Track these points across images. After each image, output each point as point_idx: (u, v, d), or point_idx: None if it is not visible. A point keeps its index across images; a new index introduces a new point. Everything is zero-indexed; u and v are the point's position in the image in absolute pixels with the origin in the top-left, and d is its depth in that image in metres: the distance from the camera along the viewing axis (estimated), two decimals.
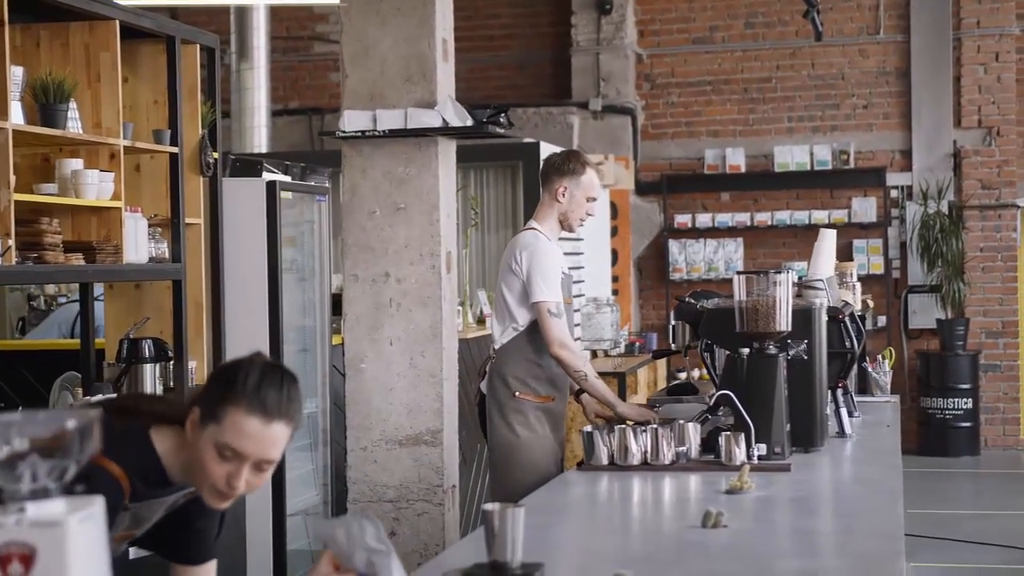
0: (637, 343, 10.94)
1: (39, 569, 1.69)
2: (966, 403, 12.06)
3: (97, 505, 1.76)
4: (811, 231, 12.40)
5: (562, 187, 5.21)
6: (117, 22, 5.07)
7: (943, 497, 10.43)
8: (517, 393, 5.14)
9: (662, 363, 11.03)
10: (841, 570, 2.86)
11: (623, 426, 4.28)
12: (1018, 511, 9.92)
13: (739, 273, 4.41)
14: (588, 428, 4.32)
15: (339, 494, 6.61)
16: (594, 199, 5.29)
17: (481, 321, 8.02)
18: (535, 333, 5.13)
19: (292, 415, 2.57)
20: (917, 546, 8.23)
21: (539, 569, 2.75)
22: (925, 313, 12.40)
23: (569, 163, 5.25)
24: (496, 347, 5.25)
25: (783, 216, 12.57)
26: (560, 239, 8.68)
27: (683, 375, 12.34)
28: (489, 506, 2.71)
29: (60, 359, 5.92)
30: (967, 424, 12.09)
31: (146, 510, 2.68)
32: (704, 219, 12.72)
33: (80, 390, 5.34)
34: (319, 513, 6.76)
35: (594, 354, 10.06)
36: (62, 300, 8.57)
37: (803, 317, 4.49)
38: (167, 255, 5.45)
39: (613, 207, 12.26)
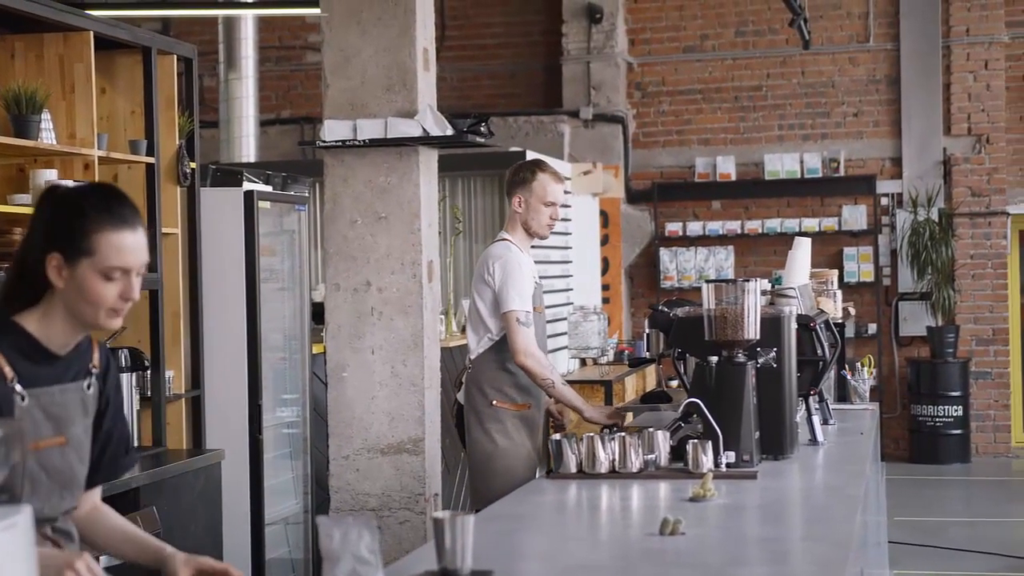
0: (627, 351, 10.95)
1: None
2: (956, 410, 12.07)
3: (23, 514, 1.78)
4: None
5: (517, 198, 5.33)
6: (91, 33, 5.10)
7: (933, 504, 10.44)
8: (494, 402, 5.22)
9: (651, 371, 11.04)
10: (790, 575, 2.88)
11: (591, 434, 4.29)
12: (1008, 518, 9.92)
13: (708, 281, 4.43)
14: (556, 436, 4.34)
15: (321, 502, 6.62)
16: (552, 203, 5.34)
17: (464, 330, 8.04)
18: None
19: (141, 218, 2.72)
20: (903, 553, 8.24)
21: None
22: (915, 320, 12.41)
23: (519, 173, 5.37)
24: (472, 357, 5.34)
25: (774, 224, 12.59)
26: (545, 247, 8.69)
27: (675, 383, 12.35)
28: (438, 514, 2.73)
29: None
30: (958, 431, 12.10)
31: (51, 401, 2.67)
32: (695, 227, 12.74)
33: None
34: (300, 523, 6.77)
35: (582, 362, 10.07)
36: None
37: (772, 325, 4.50)
38: None
39: (604, 215, 12.29)
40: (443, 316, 7.90)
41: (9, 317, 2.68)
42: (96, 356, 2.80)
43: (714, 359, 4.37)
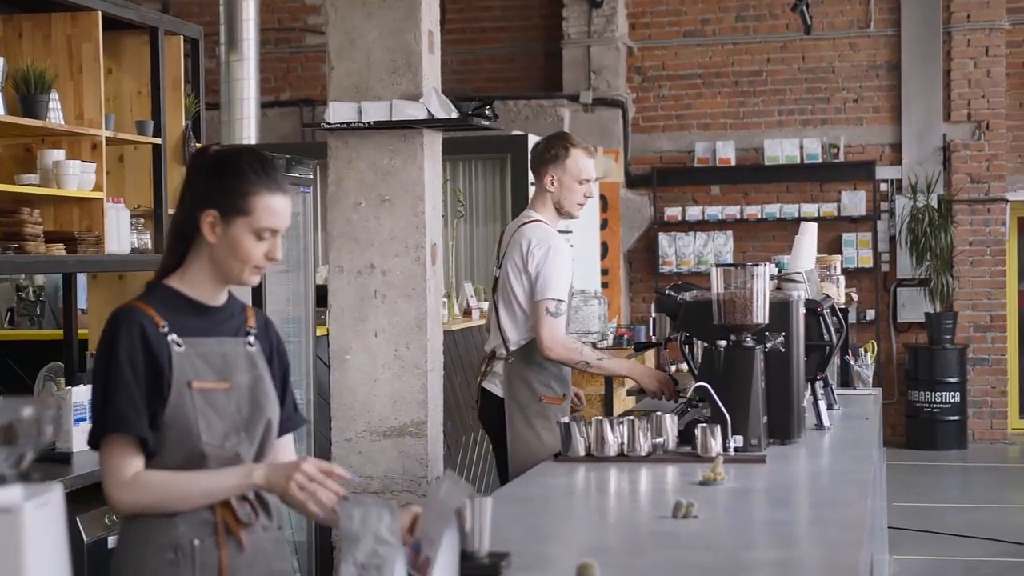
0: (626, 336, 10.96)
1: None
2: (954, 397, 12.10)
3: (55, 492, 1.78)
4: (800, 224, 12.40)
5: (549, 176, 5.10)
6: (99, 13, 5.08)
7: (930, 490, 10.47)
8: (543, 398, 5.02)
9: (651, 355, 11.06)
10: (803, 559, 2.89)
11: (600, 418, 4.30)
12: (1004, 504, 9.96)
13: (717, 266, 4.42)
14: (565, 419, 4.34)
15: None
16: (587, 180, 5.11)
17: (467, 313, 8.04)
18: None
19: (289, 185, 2.89)
20: (901, 538, 8.26)
21: (505, 558, 2.77)
22: (914, 307, 12.43)
23: (551, 149, 5.11)
24: (511, 348, 5.08)
25: (773, 209, 12.60)
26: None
27: (673, 368, 12.36)
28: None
29: (46, 349, 5.93)
30: (955, 418, 12.13)
31: (209, 350, 2.81)
32: (694, 212, 12.74)
33: (63, 380, 5.34)
34: None
35: None
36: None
37: (781, 310, 4.50)
38: (150, 246, 5.46)
39: (603, 200, 12.29)
40: (445, 300, 7.90)
41: (159, 281, 2.85)
42: (252, 319, 2.93)
43: (723, 343, 4.37)
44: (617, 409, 8.87)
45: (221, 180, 2.79)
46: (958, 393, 12.11)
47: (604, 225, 12.27)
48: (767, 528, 3.33)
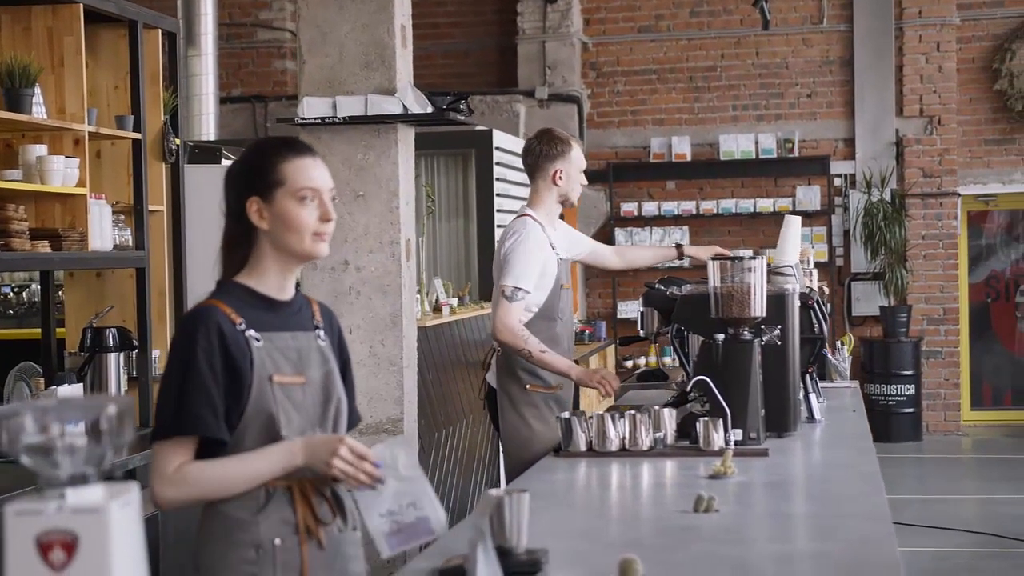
0: (586, 331, 10.99)
1: (81, 556, 1.66)
2: (908, 389, 12.21)
3: (134, 492, 1.74)
4: (756, 219, 12.51)
5: (557, 171, 5.19)
6: (81, 6, 4.99)
7: (887, 482, 10.47)
8: (528, 386, 5.08)
9: (611, 351, 11.08)
10: (841, 552, 2.87)
11: (601, 412, 4.28)
12: (961, 495, 10.06)
13: (714, 259, 4.42)
14: (566, 414, 4.32)
15: None
16: (583, 169, 5.31)
17: (437, 309, 7.99)
18: (539, 323, 5.05)
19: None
20: None
21: (544, 554, 2.75)
22: (868, 300, 12.53)
23: (556, 146, 5.19)
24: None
25: (728, 204, 12.65)
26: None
27: (629, 363, 12.39)
28: (495, 491, 2.70)
29: (19, 348, 5.83)
30: (909, 410, 12.24)
31: (285, 345, 2.79)
32: (650, 207, 12.77)
33: (41, 380, 5.25)
34: None
35: None
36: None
37: (777, 302, 4.51)
38: (130, 242, 5.38)
39: None
40: (417, 296, 7.85)
41: (229, 280, 2.83)
42: (317, 312, 2.91)
43: (721, 337, 4.36)
44: (582, 406, 8.86)
45: (250, 167, 2.82)
46: (912, 386, 12.22)
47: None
48: (790, 521, 3.33)
